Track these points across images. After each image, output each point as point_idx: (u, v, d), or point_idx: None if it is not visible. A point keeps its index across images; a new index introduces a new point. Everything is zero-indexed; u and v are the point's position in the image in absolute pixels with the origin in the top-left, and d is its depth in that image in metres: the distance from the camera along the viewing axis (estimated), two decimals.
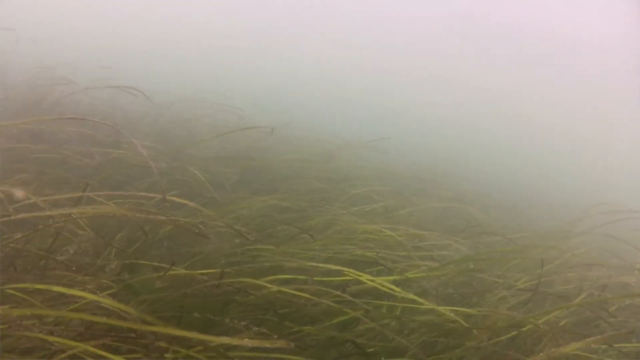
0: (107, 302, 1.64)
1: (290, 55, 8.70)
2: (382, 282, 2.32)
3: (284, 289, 2.11)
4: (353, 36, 10.68)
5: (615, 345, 2.31)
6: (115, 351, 1.62)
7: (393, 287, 2.30)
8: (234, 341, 1.45)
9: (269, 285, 2.11)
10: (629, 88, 11.13)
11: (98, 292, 1.96)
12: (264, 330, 1.83)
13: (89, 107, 5.17)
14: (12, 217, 1.94)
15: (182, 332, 1.47)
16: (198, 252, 2.65)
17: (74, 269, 2.14)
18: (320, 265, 2.45)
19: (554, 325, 2.41)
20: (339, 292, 2.19)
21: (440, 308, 2.23)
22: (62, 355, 1.56)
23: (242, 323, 1.86)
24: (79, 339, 1.64)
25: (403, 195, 4.83)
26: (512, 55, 13.01)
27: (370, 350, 2.12)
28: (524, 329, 2.28)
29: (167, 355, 1.68)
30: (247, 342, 1.43)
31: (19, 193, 2.49)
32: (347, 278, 2.36)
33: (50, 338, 1.57)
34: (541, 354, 1.69)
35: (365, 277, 2.36)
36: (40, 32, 6.55)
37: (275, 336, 1.82)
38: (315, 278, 2.36)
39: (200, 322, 1.93)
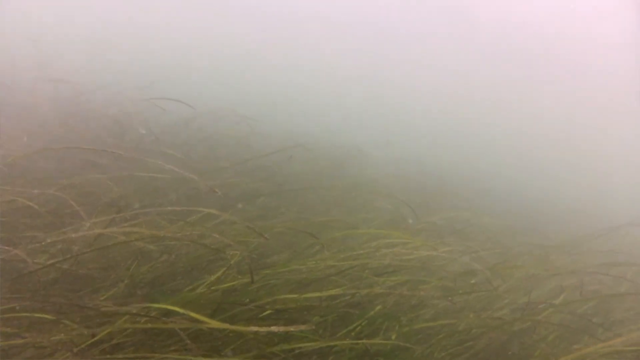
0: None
1: (293, 63, 8.82)
2: None
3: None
4: (357, 44, 10.79)
5: None
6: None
7: None
8: (262, 329, 1.64)
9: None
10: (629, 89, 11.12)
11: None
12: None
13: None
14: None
15: (220, 324, 1.65)
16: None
17: None
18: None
19: None
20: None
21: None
22: None
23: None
24: None
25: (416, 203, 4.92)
26: (513, 60, 13.03)
27: None
28: None
29: None
30: (274, 328, 1.66)
31: None
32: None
33: None
34: None
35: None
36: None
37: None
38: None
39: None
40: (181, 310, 1.91)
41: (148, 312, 2.09)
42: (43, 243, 2.37)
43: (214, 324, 1.75)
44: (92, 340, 1.93)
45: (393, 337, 2.40)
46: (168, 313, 2.23)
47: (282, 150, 4.42)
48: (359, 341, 2.27)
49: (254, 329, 1.69)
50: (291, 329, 1.75)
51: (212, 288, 2.46)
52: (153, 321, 2.03)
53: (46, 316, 2.07)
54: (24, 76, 5.56)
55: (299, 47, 9.58)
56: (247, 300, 2.39)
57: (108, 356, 1.88)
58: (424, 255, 3.11)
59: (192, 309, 2.30)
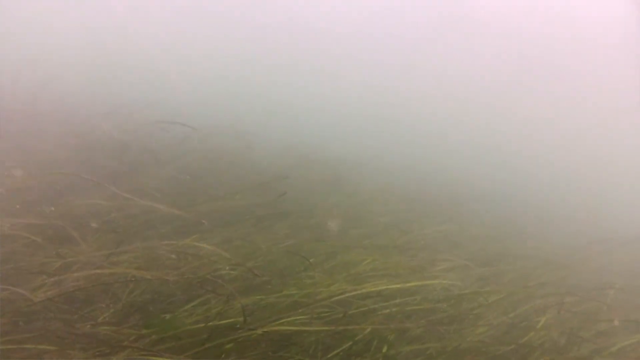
0: None
1: (290, 76, 8.91)
2: None
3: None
4: (356, 55, 10.87)
5: None
6: None
7: None
8: None
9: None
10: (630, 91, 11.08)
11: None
12: None
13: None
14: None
15: None
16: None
17: None
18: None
19: None
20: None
21: None
22: None
23: None
24: None
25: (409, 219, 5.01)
26: (512, 62, 13.04)
27: None
28: None
29: None
30: None
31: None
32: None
33: None
34: None
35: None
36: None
37: None
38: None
39: None
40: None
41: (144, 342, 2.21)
42: (43, 277, 2.48)
43: None
44: None
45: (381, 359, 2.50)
46: (161, 340, 2.36)
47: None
48: None
49: None
50: None
51: (205, 315, 2.58)
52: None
53: (49, 347, 2.19)
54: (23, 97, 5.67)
55: (296, 60, 9.67)
56: (238, 325, 2.49)
57: None
58: (415, 277, 3.21)
59: (185, 336, 2.43)
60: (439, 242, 4.28)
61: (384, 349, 2.54)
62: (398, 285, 3.05)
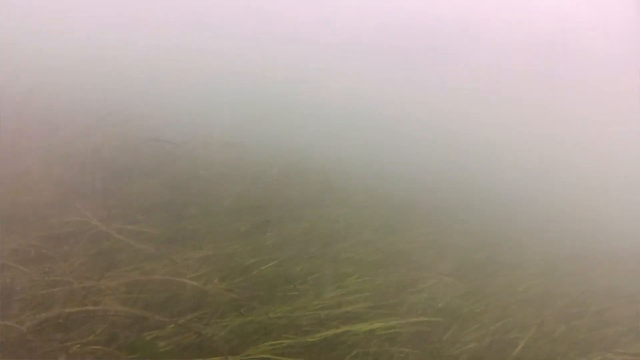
0: None
1: (279, 86, 8.91)
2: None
3: None
4: (347, 66, 10.86)
5: None
6: None
7: None
8: None
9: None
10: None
11: None
12: None
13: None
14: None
15: None
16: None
17: None
18: None
19: None
20: None
21: None
22: None
23: None
24: None
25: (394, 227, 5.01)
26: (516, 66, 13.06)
27: None
28: None
29: None
30: None
31: None
32: None
33: None
34: None
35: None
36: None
37: None
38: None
39: None
40: None
41: None
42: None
43: None
44: None
45: None
46: None
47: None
48: None
49: None
50: None
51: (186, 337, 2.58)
52: None
53: None
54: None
55: (285, 69, 9.65)
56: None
57: None
58: (399, 295, 3.22)
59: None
60: (427, 254, 4.29)
61: None
62: (382, 311, 3.06)
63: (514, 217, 6.32)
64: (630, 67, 12.57)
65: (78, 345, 2.47)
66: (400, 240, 4.67)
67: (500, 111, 10.29)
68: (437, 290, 3.32)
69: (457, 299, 3.31)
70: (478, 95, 11.11)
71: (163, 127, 5.83)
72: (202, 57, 9.14)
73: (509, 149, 8.83)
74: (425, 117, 9.11)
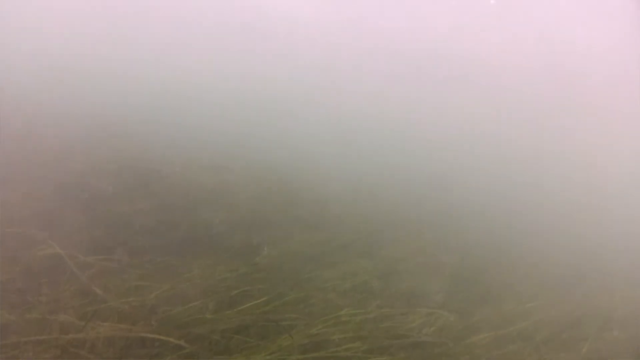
0: None
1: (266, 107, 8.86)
2: None
3: None
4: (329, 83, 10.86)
5: None
6: None
7: None
8: None
9: None
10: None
11: None
12: None
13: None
14: None
15: None
16: None
17: None
18: None
19: None
20: None
21: None
22: None
23: None
24: None
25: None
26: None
27: None
28: None
29: None
30: None
31: None
32: None
33: None
34: None
35: None
36: None
37: None
38: None
39: None
40: None
41: None
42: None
43: None
44: None
45: None
46: None
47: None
48: None
49: None
50: None
51: None
52: None
53: None
54: None
55: (273, 89, 9.62)
56: None
57: None
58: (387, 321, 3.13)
59: None
60: (417, 281, 4.19)
61: None
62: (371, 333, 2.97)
63: (506, 231, 6.16)
64: (631, 67, 12.58)
65: None
66: (390, 262, 4.59)
67: (496, 118, 10.26)
68: (429, 323, 3.23)
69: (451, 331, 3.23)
70: (471, 101, 11.10)
71: (149, 152, 5.72)
72: (186, 78, 9.08)
73: (503, 161, 8.73)
74: (413, 132, 9.08)
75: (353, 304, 3.24)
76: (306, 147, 7.43)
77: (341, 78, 10.96)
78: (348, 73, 11.46)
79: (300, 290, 3.69)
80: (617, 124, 10.58)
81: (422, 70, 11.93)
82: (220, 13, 12.88)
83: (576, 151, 9.55)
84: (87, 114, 6.89)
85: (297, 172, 6.72)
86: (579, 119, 10.65)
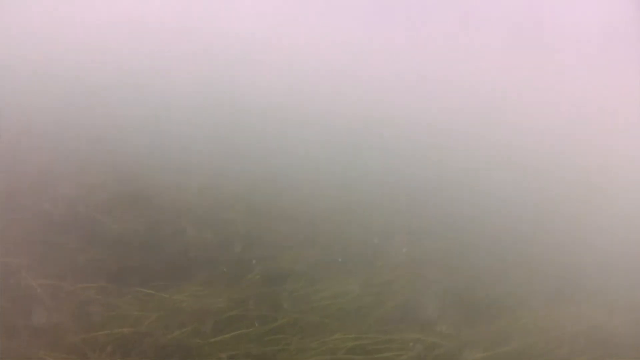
0: None
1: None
2: None
3: None
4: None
5: None
6: None
7: None
8: None
9: None
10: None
11: None
12: None
13: None
14: None
15: None
16: None
17: None
18: None
19: None
20: None
21: None
22: None
23: None
24: None
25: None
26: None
27: None
28: None
29: None
30: None
31: None
32: None
33: None
34: None
35: None
36: None
37: None
38: None
39: None
40: None
41: None
42: None
43: None
44: None
45: None
46: None
47: None
48: None
49: None
50: None
51: None
52: None
53: None
54: None
55: (262, 110, 9.58)
56: None
57: None
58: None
59: None
60: (410, 300, 4.15)
61: None
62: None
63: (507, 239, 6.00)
64: (631, 67, 12.60)
65: None
66: (382, 281, 4.55)
67: (493, 124, 10.18)
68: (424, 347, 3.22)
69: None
70: (467, 105, 11.05)
71: (138, 176, 5.68)
72: (174, 98, 9.06)
73: (504, 165, 8.57)
74: (403, 148, 9.04)
75: (346, 327, 3.22)
76: (296, 165, 7.40)
77: (333, 97, 10.97)
78: (339, 87, 11.47)
79: (292, 312, 3.67)
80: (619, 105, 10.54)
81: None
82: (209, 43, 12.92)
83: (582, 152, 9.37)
84: (75, 133, 6.83)
85: (287, 188, 6.68)
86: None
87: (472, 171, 8.23)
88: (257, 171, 6.82)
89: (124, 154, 6.48)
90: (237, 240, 4.97)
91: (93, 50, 11.14)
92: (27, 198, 4.80)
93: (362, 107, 10.41)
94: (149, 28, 13.51)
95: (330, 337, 3.19)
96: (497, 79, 12.60)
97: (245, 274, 4.22)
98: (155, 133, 7.36)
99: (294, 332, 3.33)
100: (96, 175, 5.61)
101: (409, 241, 5.71)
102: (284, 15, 15.13)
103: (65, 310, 3.29)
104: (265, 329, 3.42)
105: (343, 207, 6.30)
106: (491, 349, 3.43)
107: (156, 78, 9.90)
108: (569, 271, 5.10)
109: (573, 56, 13.68)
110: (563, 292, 4.68)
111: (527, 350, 3.53)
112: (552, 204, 7.45)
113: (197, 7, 15.40)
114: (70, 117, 7.38)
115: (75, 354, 2.72)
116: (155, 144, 6.99)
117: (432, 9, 15.52)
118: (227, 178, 6.38)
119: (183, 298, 3.64)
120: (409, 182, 7.59)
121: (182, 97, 9.08)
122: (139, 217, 5.00)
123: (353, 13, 16.03)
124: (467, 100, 11.49)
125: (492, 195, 7.43)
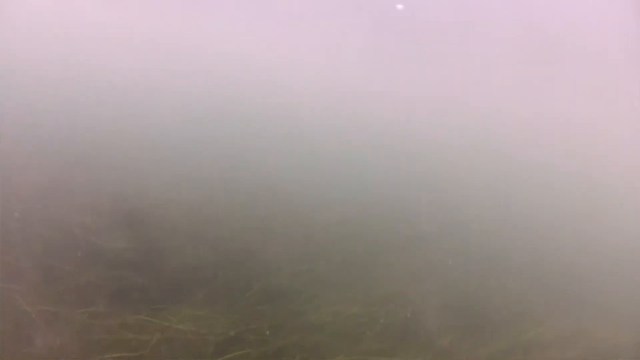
0: None
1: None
2: None
3: None
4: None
5: None
6: None
7: None
8: None
9: None
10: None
11: None
12: None
13: None
14: None
15: None
16: None
17: None
18: None
19: None
20: None
21: None
22: None
23: None
24: None
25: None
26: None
27: None
28: None
29: None
30: None
31: None
32: None
33: None
34: None
35: None
36: None
37: None
38: None
39: None
40: None
41: None
42: None
43: None
44: None
45: None
46: None
47: None
48: None
49: None
50: None
51: None
52: None
53: None
54: None
55: (254, 124, 9.60)
56: None
57: None
58: None
59: None
60: (412, 317, 4.12)
61: None
62: None
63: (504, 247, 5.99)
64: (631, 67, 12.68)
65: None
66: (381, 298, 4.52)
67: (492, 126, 10.21)
68: None
69: None
70: (467, 107, 11.10)
71: (129, 196, 5.62)
72: (168, 116, 9.05)
73: (501, 171, 8.60)
74: (399, 161, 9.06)
75: (347, 347, 3.19)
76: (291, 178, 7.39)
77: (326, 108, 11.01)
78: (329, 99, 11.52)
79: (293, 332, 3.63)
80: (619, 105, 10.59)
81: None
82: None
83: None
84: (66, 155, 6.77)
85: (283, 202, 6.66)
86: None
87: (469, 184, 8.28)
88: (251, 186, 6.81)
89: (115, 173, 6.42)
90: (233, 257, 4.92)
91: (83, 66, 11.11)
92: (20, 222, 4.72)
93: (358, 121, 10.45)
94: (139, 44, 13.52)
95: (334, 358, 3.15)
96: (503, 91, 12.64)
97: (244, 292, 4.17)
98: (147, 150, 7.32)
99: (296, 352, 3.29)
100: (89, 194, 5.55)
101: (408, 254, 5.73)
102: (276, 31, 15.20)
103: (63, 335, 3.23)
104: (264, 349, 3.38)
105: (340, 219, 6.31)
106: None
107: (147, 97, 9.88)
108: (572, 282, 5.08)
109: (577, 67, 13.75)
110: (564, 303, 4.69)
111: None
112: (555, 215, 7.49)
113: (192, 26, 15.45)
114: (60, 138, 7.31)
115: None
116: (147, 161, 6.95)
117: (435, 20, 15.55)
118: (223, 191, 6.36)
119: (182, 319, 3.58)
120: (406, 193, 7.61)
121: (174, 115, 9.07)
122: (134, 238, 4.94)
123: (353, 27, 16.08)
124: (466, 116, 11.52)
125: (493, 207, 7.46)
